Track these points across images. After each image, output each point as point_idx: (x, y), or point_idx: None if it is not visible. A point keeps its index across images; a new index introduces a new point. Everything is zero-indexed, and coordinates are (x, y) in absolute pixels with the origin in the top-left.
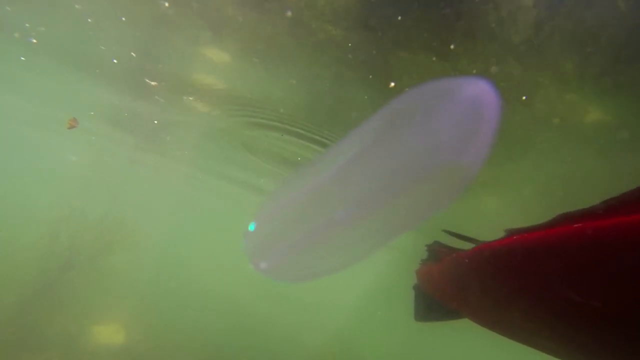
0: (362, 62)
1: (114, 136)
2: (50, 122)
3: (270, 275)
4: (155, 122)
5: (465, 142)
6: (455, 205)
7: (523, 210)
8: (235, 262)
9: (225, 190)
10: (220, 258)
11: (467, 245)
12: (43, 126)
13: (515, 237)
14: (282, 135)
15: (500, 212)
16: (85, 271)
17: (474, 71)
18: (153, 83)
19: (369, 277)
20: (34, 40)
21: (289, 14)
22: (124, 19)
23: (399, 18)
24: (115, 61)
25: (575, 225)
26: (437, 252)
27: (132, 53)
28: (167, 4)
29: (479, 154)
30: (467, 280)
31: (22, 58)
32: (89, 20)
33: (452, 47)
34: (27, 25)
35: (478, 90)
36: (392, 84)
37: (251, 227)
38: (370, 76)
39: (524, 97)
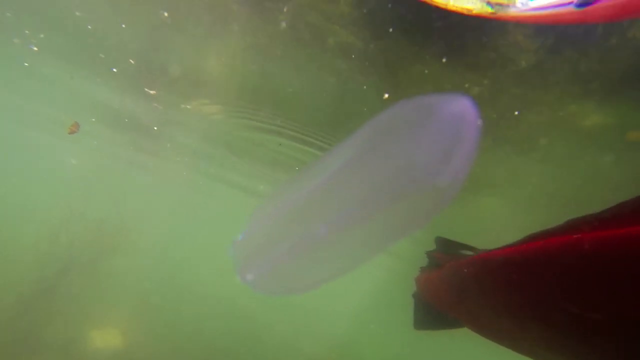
0: (370, 70)
1: (114, 140)
2: (52, 124)
3: (255, 288)
4: (155, 128)
5: (442, 161)
6: (455, 205)
7: (524, 210)
8: (234, 267)
9: (225, 194)
10: (220, 262)
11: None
12: (44, 129)
13: (514, 247)
14: (279, 145)
15: (500, 212)
16: (84, 274)
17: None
18: (152, 92)
19: (368, 283)
20: (35, 48)
21: (283, 25)
22: (124, 25)
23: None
24: (114, 70)
25: (575, 236)
26: (437, 259)
27: (131, 60)
28: (166, 14)
29: (456, 172)
30: (466, 290)
31: (26, 64)
32: (89, 27)
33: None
34: (26, 32)
35: (458, 109)
36: (386, 95)
37: (239, 238)
38: (377, 81)
39: (516, 112)
